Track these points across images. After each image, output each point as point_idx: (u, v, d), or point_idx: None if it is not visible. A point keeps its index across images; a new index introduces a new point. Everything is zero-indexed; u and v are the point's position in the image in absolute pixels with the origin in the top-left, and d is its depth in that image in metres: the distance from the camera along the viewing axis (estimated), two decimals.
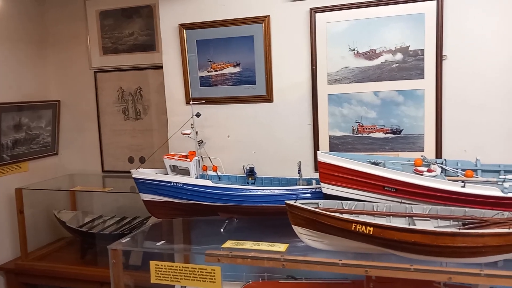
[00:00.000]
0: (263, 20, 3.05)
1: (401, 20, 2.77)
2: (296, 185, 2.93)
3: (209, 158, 3.14)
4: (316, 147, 3.06)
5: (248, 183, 3.09)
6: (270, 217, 2.87)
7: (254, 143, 3.22)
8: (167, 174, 3.02)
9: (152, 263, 2.57)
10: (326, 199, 2.60)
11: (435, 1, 2.67)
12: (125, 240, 2.82)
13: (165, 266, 2.54)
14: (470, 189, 2.33)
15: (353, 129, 2.99)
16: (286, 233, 2.48)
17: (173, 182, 2.93)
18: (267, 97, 3.14)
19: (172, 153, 3.14)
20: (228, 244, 2.52)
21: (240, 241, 2.54)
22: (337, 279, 2.78)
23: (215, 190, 2.87)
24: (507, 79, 2.65)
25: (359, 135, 2.98)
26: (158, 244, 2.71)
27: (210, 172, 3.12)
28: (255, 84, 3.15)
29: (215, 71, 3.24)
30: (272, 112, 3.16)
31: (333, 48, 2.93)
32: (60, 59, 4.82)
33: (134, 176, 3.07)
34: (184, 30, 3.25)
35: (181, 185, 2.91)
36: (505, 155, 2.69)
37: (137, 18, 4.51)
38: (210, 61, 3.24)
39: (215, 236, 2.84)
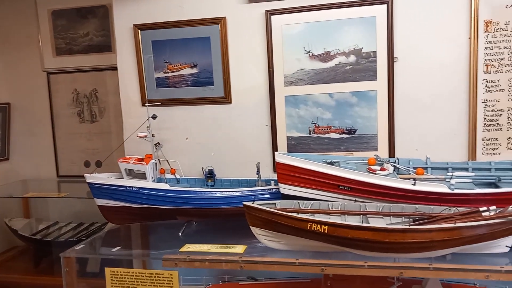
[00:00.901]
0: (220, 21, 3.04)
1: (354, 23, 2.85)
2: (255, 186, 2.94)
3: (167, 161, 3.10)
4: (274, 148, 3.09)
5: (207, 185, 3.07)
6: (230, 218, 2.87)
7: (213, 145, 3.21)
8: (123, 178, 2.95)
9: (108, 270, 2.50)
10: (284, 199, 2.63)
11: (386, 5, 2.76)
12: (79, 247, 2.72)
13: (120, 272, 2.48)
14: (420, 187, 2.43)
15: (309, 130, 3.04)
16: (246, 235, 2.48)
17: (129, 187, 2.87)
18: (226, 99, 3.13)
19: (128, 156, 3.07)
20: (186, 248, 2.49)
21: (198, 245, 2.52)
22: (297, 278, 2.81)
23: (173, 194, 2.83)
24: (453, 80, 2.78)
25: (316, 135, 3.03)
26: (113, 250, 2.64)
27: (168, 175, 3.07)
28: (213, 85, 3.14)
29: (171, 72, 3.20)
30: (231, 114, 3.16)
31: (289, 50, 2.97)
32: (10, 60, 4.59)
33: (88, 180, 2.98)
34: (139, 31, 3.19)
35: (137, 189, 2.86)
36: (453, 153, 2.82)
37: (92, 18, 4.38)
38: (166, 62, 3.20)
39: (174, 240, 2.80)
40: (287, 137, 3.07)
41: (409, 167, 2.71)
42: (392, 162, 2.72)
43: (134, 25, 3.20)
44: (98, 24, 4.36)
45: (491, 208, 2.20)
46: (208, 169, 3.07)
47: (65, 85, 4.53)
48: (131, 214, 2.97)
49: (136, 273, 2.48)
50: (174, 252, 2.47)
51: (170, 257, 2.39)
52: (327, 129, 3.02)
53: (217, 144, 3.20)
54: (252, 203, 2.38)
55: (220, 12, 3.05)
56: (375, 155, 2.76)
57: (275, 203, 2.51)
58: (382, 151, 2.91)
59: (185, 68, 3.17)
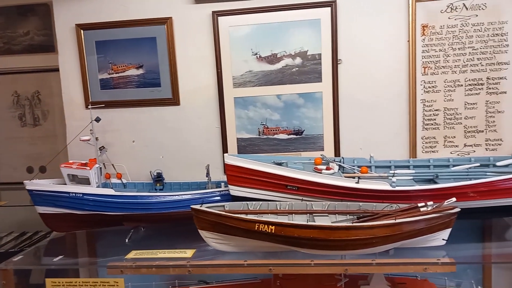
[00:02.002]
0: (165, 21, 2.99)
1: (299, 26, 2.89)
2: (206, 189, 2.91)
3: (113, 165, 3.00)
4: (224, 149, 3.08)
5: (156, 189, 3.01)
6: (180, 223, 2.82)
7: (162, 147, 3.15)
8: (66, 184, 2.83)
9: (48, 281, 2.38)
10: (234, 201, 2.62)
11: (330, 8, 2.83)
12: (17, 258, 2.57)
13: (63, 283, 2.36)
14: (363, 185, 2.50)
15: (259, 131, 3.05)
16: (197, 238, 2.45)
17: (72, 193, 2.76)
18: (174, 100, 3.08)
19: (71, 161, 2.94)
20: (132, 254, 2.42)
21: (145, 251, 2.46)
22: (247, 279, 2.81)
23: (119, 199, 2.75)
24: (394, 82, 2.90)
25: (265, 136, 3.05)
26: (55, 259, 2.52)
27: (114, 180, 2.98)
28: (160, 86, 3.08)
29: (116, 73, 3.10)
30: (180, 116, 3.11)
31: (236, 52, 2.97)
32: None
33: (28, 187, 2.83)
34: (82, 31, 3.07)
35: (81, 195, 2.75)
36: (395, 151, 2.94)
37: (32, 16, 4.15)
38: (110, 62, 3.10)
39: (121, 247, 2.71)
40: (237, 138, 3.08)
41: (353, 166, 2.79)
42: (337, 162, 2.79)
43: (76, 24, 3.08)
44: (40, 23, 4.14)
45: (428, 203, 2.30)
46: (156, 173, 3.01)
47: (4, 87, 4.27)
48: (76, 221, 2.86)
49: (79, 282, 2.38)
50: (120, 259, 2.39)
51: (115, 265, 2.32)
52: (276, 130, 3.05)
53: (165, 146, 3.14)
54: (200, 206, 2.35)
55: (166, 12, 3.00)
56: (321, 155, 2.82)
57: (224, 205, 2.50)
58: (328, 151, 2.98)
59: (130, 69, 3.09)
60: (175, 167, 3.11)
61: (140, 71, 3.08)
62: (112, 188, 2.85)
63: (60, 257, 2.56)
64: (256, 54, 2.95)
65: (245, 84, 3.00)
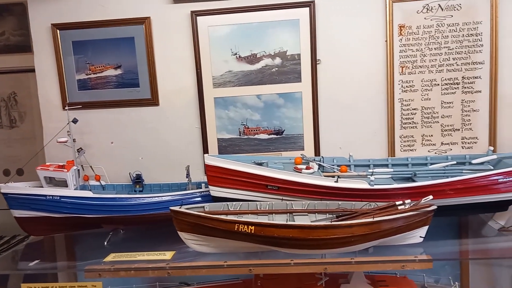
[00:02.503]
0: (144, 21, 2.96)
1: (278, 26, 2.90)
2: (186, 190, 2.89)
3: (91, 167, 2.96)
4: (205, 150, 3.06)
5: (135, 191, 2.97)
6: (160, 224, 2.80)
7: (141, 148, 3.11)
8: (42, 187, 2.77)
9: (24, 286, 2.33)
10: (215, 202, 2.61)
11: (308, 8, 2.84)
12: None
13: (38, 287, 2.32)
14: (342, 184, 2.52)
15: (239, 131, 3.05)
16: (177, 240, 2.43)
17: (49, 196, 2.70)
18: (153, 101, 3.05)
19: (48, 163, 2.88)
20: (111, 257, 2.39)
21: (123, 253, 2.42)
22: (229, 280, 2.80)
23: (97, 201, 2.71)
24: (372, 81, 2.93)
25: (246, 136, 3.05)
26: (30, 264, 2.47)
27: (93, 182, 2.94)
28: (139, 87, 3.04)
29: (94, 73, 3.06)
30: (159, 116, 3.08)
31: (216, 52, 2.95)
32: None
33: (2, 191, 2.76)
34: (58, 31, 3.02)
35: (58, 198, 2.69)
36: (374, 150, 2.97)
37: (8, 16, 4.06)
38: (88, 63, 3.05)
39: (100, 250, 2.67)
40: (218, 138, 3.06)
41: (333, 165, 2.81)
42: (317, 161, 2.80)
43: (52, 24, 3.02)
44: (16, 23, 4.05)
45: (406, 201, 2.33)
46: (136, 174, 2.98)
47: None
48: (53, 225, 2.80)
49: (56, 287, 2.33)
50: (99, 263, 2.35)
51: (93, 268, 2.28)
52: (257, 130, 3.05)
53: (145, 147, 3.11)
54: (179, 208, 2.33)
55: (144, 12, 2.97)
56: (301, 155, 2.83)
57: (204, 206, 2.49)
58: (309, 150, 2.99)
59: (108, 69, 3.04)
60: (154, 168, 3.08)
61: (118, 72, 3.04)
62: (90, 190, 2.80)
63: (36, 261, 2.51)
64: (236, 54, 2.95)
65: (225, 84, 2.99)
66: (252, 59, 2.94)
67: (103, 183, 2.96)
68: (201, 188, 2.86)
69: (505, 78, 2.84)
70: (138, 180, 2.97)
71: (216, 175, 2.62)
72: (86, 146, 3.03)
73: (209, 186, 2.64)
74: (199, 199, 2.78)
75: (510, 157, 2.65)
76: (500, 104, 2.86)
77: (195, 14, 2.91)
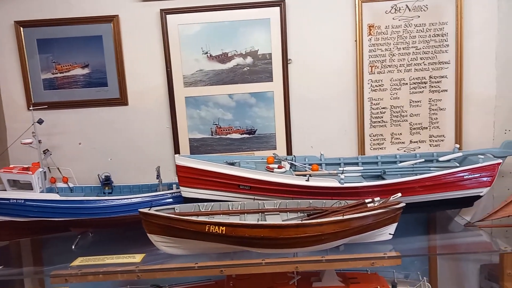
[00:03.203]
0: (112, 19, 2.89)
1: (249, 25, 2.89)
2: (157, 191, 2.84)
3: (58, 168, 2.87)
4: (176, 150, 3.02)
5: (104, 193, 2.90)
6: (130, 227, 2.74)
7: (110, 149, 3.04)
8: (6, 190, 2.67)
9: None
10: (187, 203, 2.58)
11: (279, 8, 2.84)
12: None
13: None
14: (313, 182, 2.53)
15: (211, 131, 3.02)
16: (148, 242, 2.38)
17: (13, 199, 2.61)
18: (122, 100, 2.99)
19: (12, 165, 2.78)
20: (78, 261, 2.33)
21: (92, 257, 2.36)
22: (201, 281, 2.78)
23: (64, 204, 2.63)
24: (342, 81, 2.96)
25: (218, 136, 3.03)
26: None
27: (60, 184, 2.85)
28: (107, 86, 2.97)
29: (60, 73, 2.97)
30: (128, 116, 3.02)
31: (186, 50, 2.92)
32: None
33: None
34: (21, 28, 2.91)
35: (22, 201, 2.60)
36: (345, 148, 3.00)
37: None
38: (54, 62, 2.96)
39: (68, 254, 2.60)
40: (189, 138, 3.03)
41: (305, 164, 2.82)
42: (289, 160, 2.81)
43: (15, 21, 2.91)
44: None
45: (375, 199, 2.37)
46: (105, 176, 2.91)
47: None
48: (18, 229, 2.70)
49: None
50: (66, 267, 2.29)
51: (59, 273, 2.22)
52: (229, 129, 3.03)
53: (114, 148, 3.04)
54: (148, 210, 2.29)
55: (112, 10, 2.90)
56: (273, 154, 2.83)
57: (174, 208, 2.45)
58: (281, 149, 3.00)
59: (75, 69, 2.96)
60: (124, 169, 3.02)
61: (86, 71, 2.97)
62: (57, 193, 2.72)
63: (0, 267, 2.42)
64: (207, 53, 2.92)
65: (196, 84, 2.96)
66: (224, 58, 2.92)
67: (71, 185, 2.88)
68: (172, 189, 2.82)
69: (470, 78, 2.92)
70: (107, 181, 2.90)
71: (187, 175, 2.58)
72: (53, 148, 2.93)
73: (180, 187, 2.61)
74: (171, 200, 2.74)
75: (475, 154, 2.72)
76: (465, 103, 2.94)
77: (164, 12, 2.86)
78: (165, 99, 2.99)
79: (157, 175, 2.83)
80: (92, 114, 3.02)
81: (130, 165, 3.05)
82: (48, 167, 2.85)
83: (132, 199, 2.71)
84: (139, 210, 2.30)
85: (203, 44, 2.91)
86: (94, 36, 2.93)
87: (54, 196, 2.65)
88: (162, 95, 2.99)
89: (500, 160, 2.63)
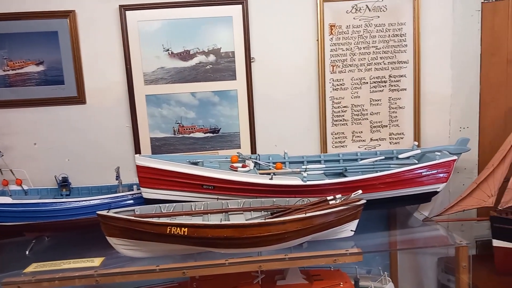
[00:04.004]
0: (68, 15, 2.78)
1: (211, 22, 2.85)
2: (117, 192, 2.76)
3: (11, 170, 2.73)
4: (137, 150, 2.94)
5: (62, 195, 2.79)
6: (89, 230, 2.65)
7: (67, 150, 2.93)
8: None
9: None
10: (148, 204, 2.52)
11: (241, 5, 2.82)
12: None
13: None
14: (276, 181, 2.54)
15: (174, 130, 2.97)
16: (108, 245, 2.31)
17: None
18: (79, 99, 2.88)
19: None
20: (32, 267, 2.22)
21: (47, 262, 2.26)
22: (164, 284, 2.72)
23: (18, 208, 2.51)
24: (304, 80, 2.98)
25: (181, 135, 2.97)
26: None
27: (13, 187, 2.72)
28: (64, 84, 2.86)
29: (13, 70, 2.82)
30: (86, 115, 2.92)
31: (147, 47, 2.85)
32: None
33: None
34: None
35: None
36: (308, 147, 3.02)
37: None
38: (6, 58, 2.81)
39: (23, 260, 2.48)
40: (151, 138, 2.96)
41: (269, 163, 2.82)
42: (253, 159, 2.80)
43: None
44: None
45: (337, 196, 2.40)
46: (62, 177, 2.80)
47: None
48: None
49: None
50: (18, 274, 2.18)
51: (11, 280, 2.11)
52: (192, 128, 2.98)
53: (72, 148, 2.93)
54: (107, 212, 2.22)
55: (68, 5, 2.79)
56: (237, 153, 2.82)
57: (134, 210, 2.39)
58: (245, 148, 2.98)
59: (29, 66, 2.82)
60: (83, 170, 2.92)
61: (41, 68, 2.84)
62: (10, 196, 2.59)
63: None
64: (168, 50, 2.86)
65: (157, 81, 2.89)
66: (185, 55, 2.87)
67: (25, 187, 2.75)
68: (133, 190, 2.74)
69: (427, 77, 3.02)
70: (64, 183, 2.79)
71: (148, 176, 2.52)
72: (6, 149, 2.80)
73: (141, 188, 2.54)
74: (132, 201, 2.67)
75: (432, 151, 2.80)
76: (423, 102, 3.03)
77: (124, 8, 2.78)
78: (125, 97, 2.90)
79: (116, 176, 2.74)
80: (48, 113, 2.89)
81: (89, 165, 2.94)
82: (0, 169, 2.71)
83: (91, 201, 2.61)
84: (97, 212, 2.22)
85: (164, 41, 2.85)
86: (49, 32, 2.81)
87: (6, 200, 2.52)
88: (122, 93, 2.90)
89: (455, 157, 2.72)
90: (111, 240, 2.25)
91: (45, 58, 2.83)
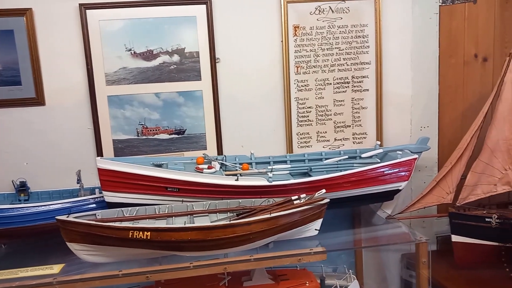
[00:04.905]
0: (24, 13, 2.68)
1: (175, 22, 2.81)
2: (78, 196, 2.68)
3: None
4: (99, 153, 2.87)
5: (20, 200, 2.68)
6: (50, 236, 2.56)
7: (26, 153, 2.82)
8: None
9: None
10: (110, 208, 2.46)
11: (205, 5, 2.80)
12: None
13: None
14: (242, 182, 2.53)
15: (137, 132, 2.91)
16: (69, 251, 2.23)
17: None
18: (38, 100, 2.78)
19: None
20: None
21: (3, 271, 2.17)
22: None
23: None
24: (269, 81, 2.99)
25: (144, 137, 2.92)
26: None
27: None
28: (21, 85, 2.75)
29: None
30: (46, 117, 2.82)
31: (109, 47, 2.78)
32: None
33: None
34: None
35: None
36: (274, 147, 3.03)
37: None
38: None
39: None
40: (113, 140, 2.89)
41: (235, 164, 2.81)
42: (219, 160, 2.78)
43: None
44: None
45: (302, 196, 2.42)
46: (20, 182, 2.69)
47: None
48: None
49: None
50: None
51: None
52: (156, 130, 2.93)
53: (30, 152, 2.82)
54: (67, 217, 2.15)
55: (25, 3, 2.68)
56: (203, 154, 2.79)
57: (95, 214, 2.33)
58: (211, 149, 2.96)
59: None
60: (43, 174, 2.82)
61: None
62: None
63: None
64: (131, 50, 2.80)
65: (119, 82, 2.83)
66: (149, 55, 2.82)
67: None
68: (95, 194, 2.67)
69: (388, 78, 3.09)
70: (22, 188, 2.69)
71: (110, 179, 2.46)
72: None
73: (103, 192, 2.48)
74: (94, 205, 2.60)
75: (394, 150, 2.88)
76: (385, 102, 3.10)
77: (84, 7, 2.70)
78: (86, 98, 2.82)
79: (77, 180, 2.66)
80: (5, 115, 2.77)
81: (49, 169, 2.84)
82: None
83: (50, 206, 2.53)
84: (56, 217, 2.14)
85: (127, 41, 2.79)
86: (4, 31, 2.69)
87: None
88: (83, 94, 2.82)
89: (416, 156, 2.80)
90: (72, 246, 2.18)
91: (0, 58, 2.71)
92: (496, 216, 2.66)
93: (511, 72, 2.73)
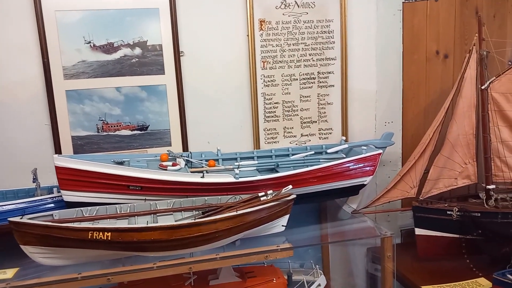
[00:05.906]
0: None
1: (137, 14, 2.71)
2: (35, 196, 2.54)
3: None
4: (58, 150, 2.73)
5: None
6: (3, 238, 2.41)
7: None
8: None
9: None
10: (70, 208, 2.34)
11: None
12: None
13: None
14: (208, 179, 2.47)
15: (97, 128, 2.79)
16: (24, 255, 2.11)
17: None
18: None
19: None
20: None
21: None
22: None
23: None
24: (236, 75, 2.94)
25: (105, 133, 2.81)
26: None
27: None
28: None
29: None
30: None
31: (66, 39, 2.64)
32: None
33: None
34: None
35: None
36: (241, 143, 3.00)
37: None
38: None
39: None
40: (72, 136, 2.76)
41: (201, 160, 2.75)
42: (185, 157, 2.71)
43: None
44: None
45: (268, 192, 2.39)
46: None
47: None
48: None
49: None
50: None
51: None
52: (118, 126, 2.82)
53: None
54: (20, 218, 2.03)
55: None
56: (168, 151, 2.71)
57: (52, 214, 2.21)
58: (176, 146, 2.88)
59: None
60: None
61: None
62: None
63: None
64: (90, 42, 2.68)
65: (78, 76, 2.70)
66: (109, 48, 2.71)
67: None
68: (53, 193, 2.54)
69: (354, 74, 3.11)
70: None
71: (68, 177, 2.35)
72: None
73: (61, 191, 2.36)
74: (52, 205, 2.47)
75: (359, 145, 2.90)
76: (350, 98, 3.12)
77: None
78: (43, 93, 2.68)
79: (33, 178, 2.52)
80: None
81: (3, 168, 2.68)
82: None
83: (4, 207, 2.38)
84: (9, 219, 2.02)
85: (86, 33, 2.66)
86: None
87: None
88: (39, 89, 2.67)
89: (381, 151, 2.84)
90: (26, 249, 2.06)
91: None
92: (456, 209, 2.74)
93: (471, 68, 2.82)
